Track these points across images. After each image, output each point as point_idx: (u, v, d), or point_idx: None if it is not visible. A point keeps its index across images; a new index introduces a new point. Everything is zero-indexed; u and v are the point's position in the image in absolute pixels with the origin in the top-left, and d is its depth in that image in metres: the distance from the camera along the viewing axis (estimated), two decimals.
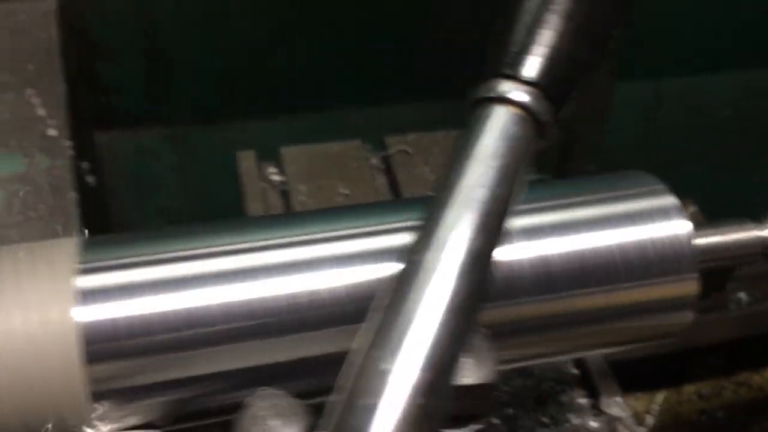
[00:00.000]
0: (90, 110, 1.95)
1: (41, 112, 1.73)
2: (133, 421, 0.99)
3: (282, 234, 1.02)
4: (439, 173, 1.63)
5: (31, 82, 1.79)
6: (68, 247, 1.00)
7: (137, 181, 2.04)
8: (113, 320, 0.95)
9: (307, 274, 0.98)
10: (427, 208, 0.89)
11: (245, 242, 1.01)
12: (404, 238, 0.97)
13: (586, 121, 1.50)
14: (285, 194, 1.61)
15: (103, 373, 0.95)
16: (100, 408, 0.96)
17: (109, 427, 0.98)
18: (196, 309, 0.96)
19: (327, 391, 1.01)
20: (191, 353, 0.97)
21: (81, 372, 0.93)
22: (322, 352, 0.98)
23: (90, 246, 1.00)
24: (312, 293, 0.97)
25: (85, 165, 1.86)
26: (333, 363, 0.97)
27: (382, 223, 1.03)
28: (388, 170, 1.65)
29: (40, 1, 1.78)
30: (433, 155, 1.65)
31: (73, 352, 0.93)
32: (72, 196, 1.77)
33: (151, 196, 2.09)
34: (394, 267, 0.94)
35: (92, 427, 0.97)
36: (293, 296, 0.97)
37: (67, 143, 1.75)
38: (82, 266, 0.97)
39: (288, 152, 1.66)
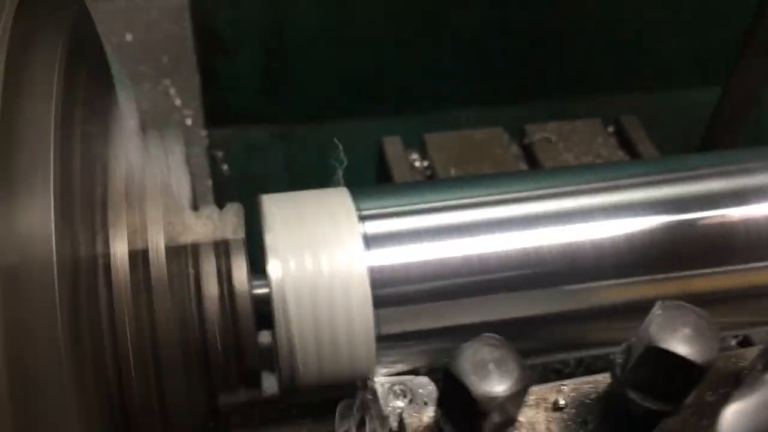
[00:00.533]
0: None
1: (177, 102, 1.76)
2: (400, 367, 1.00)
3: (546, 185, 1.03)
4: (581, 160, 1.69)
5: (166, 74, 1.81)
6: (343, 195, 1.01)
7: (247, 177, 2.05)
8: (399, 265, 0.96)
9: (584, 224, 0.99)
10: None
11: (515, 192, 1.03)
12: (665, 192, 1.01)
13: None
14: (430, 179, 1.64)
15: (387, 317, 0.96)
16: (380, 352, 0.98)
17: (382, 371, 0.99)
18: (478, 256, 0.97)
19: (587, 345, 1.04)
20: (470, 300, 0.97)
21: (372, 316, 0.94)
22: (597, 305, 0.99)
23: (360, 195, 1.02)
24: (593, 243, 0.97)
25: (219, 154, 1.88)
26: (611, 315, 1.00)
27: (641, 176, 1.05)
28: (531, 157, 1.69)
29: None
30: (573, 143, 1.69)
31: (366, 297, 0.94)
32: (209, 183, 1.79)
33: (260, 192, 2.09)
34: (665, 219, 0.98)
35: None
36: (570, 245, 0.98)
37: (203, 132, 1.77)
38: (362, 213, 0.98)
39: (432, 138, 1.69)
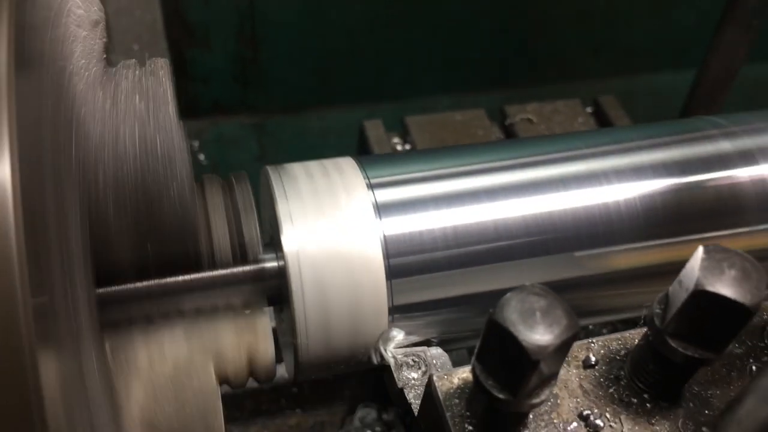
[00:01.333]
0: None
1: None
2: (412, 338, 0.98)
3: (556, 150, 1.02)
4: None
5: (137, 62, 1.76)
6: (350, 164, 0.99)
7: (223, 168, 2.00)
8: (412, 234, 0.94)
9: (596, 187, 0.97)
10: None
11: (523, 158, 1.01)
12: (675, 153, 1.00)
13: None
14: None
15: (401, 287, 0.94)
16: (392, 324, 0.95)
17: (395, 342, 0.96)
18: (488, 223, 0.95)
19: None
20: (484, 268, 0.95)
21: (385, 286, 0.92)
22: (610, 270, 0.98)
23: (366, 164, 0.99)
24: (606, 207, 0.96)
25: (194, 144, 1.84)
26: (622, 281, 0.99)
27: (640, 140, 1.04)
28: (513, 137, 1.68)
29: None
30: (554, 123, 1.69)
31: (379, 267, 0.92)
32: None
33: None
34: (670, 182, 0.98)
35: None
36: (582, 210, 0.97)
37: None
38: (371, 181, 0.96)
39: (413, 121, 1.67)
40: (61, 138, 0.67)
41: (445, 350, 0.97)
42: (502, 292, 0.94)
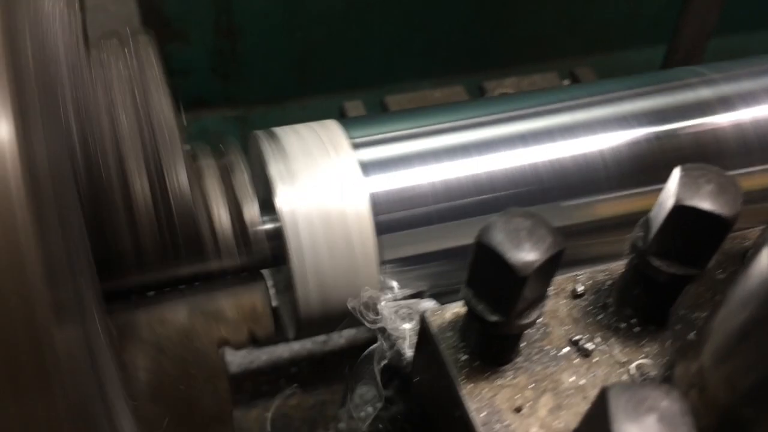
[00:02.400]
0: None
1: None
2: (405, 291, 1.00)
3: (535, 104, 1.04)
4: None
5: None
6: (333, 126, 1.01)
7: None
8: (397, 190, 0.96)
9: (577, 138, 1.00)
10: None
11: (503, 113, 1.03)
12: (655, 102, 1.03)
13: None
14: None
15: (389, 242, 0.96)
16: (383, 278, 0.97)
17: (387, 296, 0.98)
18: (475, 176, 0.97)
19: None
20: (468, 221, 0.97)
21: (375, 242, 0.94)
22: (594, 218, 1.00)
23: (348, 125, 1.01)
24: (586, 157, 0.98)
25: None
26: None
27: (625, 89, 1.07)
28: None
29: None
30: None
31: (368, 223, 0.94)
32: None
33: None
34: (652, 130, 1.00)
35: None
36: (563, 161, 0.99)
37: None
38: (355, 141, 0.98)
39: (393, 99, 1.69)
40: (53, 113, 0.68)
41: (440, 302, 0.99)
42: None
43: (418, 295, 0.99)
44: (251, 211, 0.90)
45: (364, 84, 2.02)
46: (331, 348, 1.52)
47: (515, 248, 0.64)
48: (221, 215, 0.88)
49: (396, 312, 0.95)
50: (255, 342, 0.95)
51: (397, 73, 2.04)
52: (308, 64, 1.98)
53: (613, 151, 0.97)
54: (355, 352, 1.05)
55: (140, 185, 0.81)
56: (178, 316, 0.87)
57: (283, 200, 0.89)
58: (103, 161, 0.78)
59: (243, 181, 0.91)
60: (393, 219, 0.95)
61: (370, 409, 1.34)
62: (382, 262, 0.95)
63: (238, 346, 0.93)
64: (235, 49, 1.95)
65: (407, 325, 0.95)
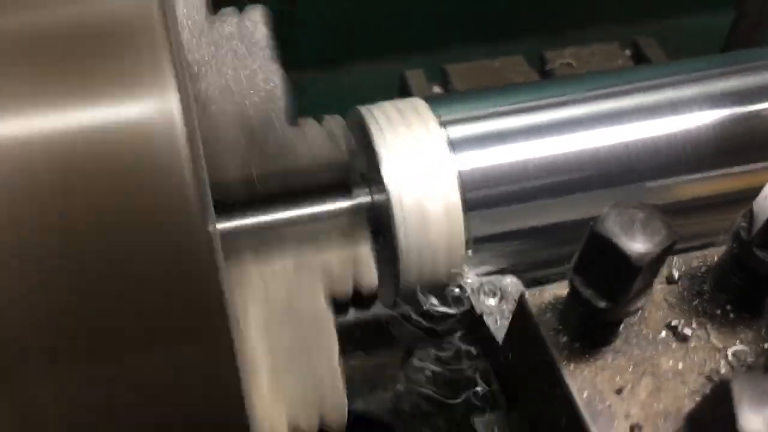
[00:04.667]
0: None
1: None
2: (489, 267, 1.02)
3: (621, 83, 1.05)
4: None
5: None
6: (420, 104, 1.02)
7: None
8: (486, 168, 0.97)
9: (667, 117, 1.00)
10: None
11: (590, 92, 1.04)
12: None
13: None
14: None
15: (476, 219, 0.98)
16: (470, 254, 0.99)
17: (473, 271, 1.00)
18: (565, 155, 0.99)
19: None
20: (557, 199, 0.99)
21: (462, 219, 0.96)
22: (683, 199, 1.02)
23: (435, 103, 1.03)
24: (674, 136, 0.99)
25: None
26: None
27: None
28: None
29: None
30: (593, 67, 1.71)
31: (456, 200, 0.96)
32: None
33: None
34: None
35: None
36: (654, 140, 1.00)
37: None
38: (442, 119, 1.00)
39: (454, 69, 1.69)
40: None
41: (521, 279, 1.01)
42: (575, 223, 0.99)
43: (499, 272, 1.01)
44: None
45: (418, 48, 2.02)
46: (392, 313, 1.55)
47: (631, 239, 0.65)
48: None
49: (480, 287, 0.98)
50: (358, 297, 0.96)
51: (450, 39, 2.04)
52: (358, 29, 1.98)
53: (700, 130, 0.98)
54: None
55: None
56: (289, 276, 0.90)
57: (388, 172, 0.92)
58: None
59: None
60: (480, 196, 0.97)
61: (428, 372, 1.38)
62: (471, 240, 0.97)
63: (342, 302, 0.95)
64: (293, 13, 1.95)
65: (491, 301, 0.98)
